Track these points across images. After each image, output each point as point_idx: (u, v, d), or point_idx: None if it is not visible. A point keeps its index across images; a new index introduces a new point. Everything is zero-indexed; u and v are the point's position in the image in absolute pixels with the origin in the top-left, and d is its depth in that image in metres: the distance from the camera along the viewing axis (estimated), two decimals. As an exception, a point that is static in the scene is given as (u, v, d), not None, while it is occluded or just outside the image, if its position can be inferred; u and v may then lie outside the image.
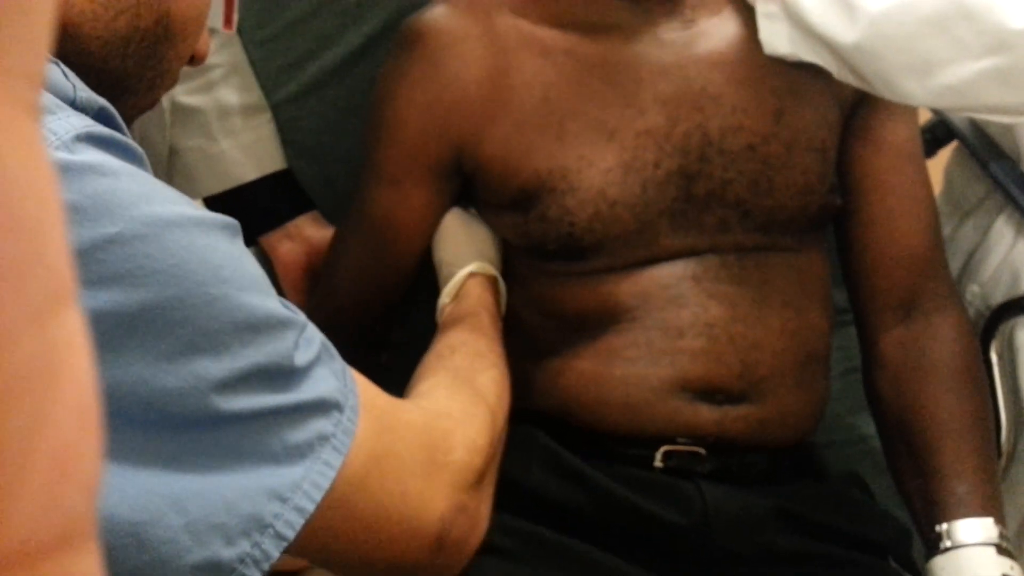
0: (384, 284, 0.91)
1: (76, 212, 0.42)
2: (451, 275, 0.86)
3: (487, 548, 0.73)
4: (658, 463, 0.80)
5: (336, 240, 0.94)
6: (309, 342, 0.52)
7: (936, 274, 0.89)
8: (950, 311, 0.88)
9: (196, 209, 0.48)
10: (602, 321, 0.83)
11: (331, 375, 0.53)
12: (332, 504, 0.50)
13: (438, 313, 0.86)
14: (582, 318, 0.83)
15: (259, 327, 0.48)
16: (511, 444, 0.79)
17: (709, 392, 0.80)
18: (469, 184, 0.88)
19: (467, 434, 0.63)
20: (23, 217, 0.16)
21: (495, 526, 0.74)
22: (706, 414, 0.80)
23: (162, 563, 0.45)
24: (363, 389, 0.55)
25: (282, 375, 0.49)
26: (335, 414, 0.51)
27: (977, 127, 1.07)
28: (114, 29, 0.56)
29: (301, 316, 0.52)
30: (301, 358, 0.51)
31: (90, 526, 0.18)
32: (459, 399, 0.67)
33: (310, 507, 0.49)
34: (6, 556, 0.16)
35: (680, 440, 0.80)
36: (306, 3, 0.99)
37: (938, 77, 0.74)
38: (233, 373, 0.46)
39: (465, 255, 0.88)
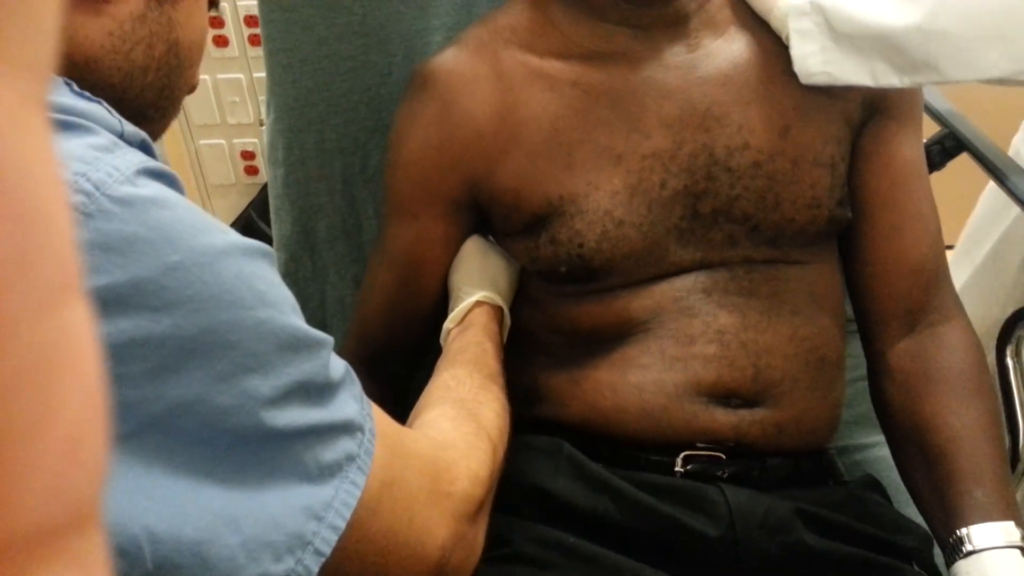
0: (412, 314, 0.94)
1: (143, 243, 0.45)
2: (460, 300, 0.89)
3: (516, 557, 0.74)
4: (679, 468, 0.81)
5: (366, 274, 0.97)
6: (336, 363, 0.55)
7: (940, 286, 0.90)
8: (955, 321, 0.89)
9: (237, 236, 0.50)
10: (616, 335, 0.84)
11: (352, 398, 0.55)
12: (352, 525, 0.52)
13: (443, 336, 0.88)
14: (597, 333, 0.85)
15: (299, 346, 0.50)
16: (537, 453, 0.81)
17: (724, 396, 0.81)
18: (485, 214, 0.90)
19: (470, 466, 0.64)
20: (30, 208, 0.16)
21: (524, 535, 0.76)
22: (723, 419, 0.81)
23: None
24: (377, 415, 0.57)
25: (318, 390, 0.52)
26: (359, 435, 0.54)
27: (987, 140, 1.09)
28: (132, 60, 0.59)
29: (329, 337, 0.55)
30: (333, 375, 0.54)
31: (96, 510, 0.18)
32: (463, 431, 0.69)
33: (341, 524, 0.51)
34: (16, 538, 0.16)
35: (700, 445, 0.81)
36: (330, 26, 1.01)
37: None
38: (279, 390, 0.49)
39: (476, 282, 0.90)
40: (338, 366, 0.55)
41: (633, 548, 0.77)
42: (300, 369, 0.50)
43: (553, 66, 0.85)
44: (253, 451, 0.48)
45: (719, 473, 0.81)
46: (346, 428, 0.53)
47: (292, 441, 0.49)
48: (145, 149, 0.51)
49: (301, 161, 1.06)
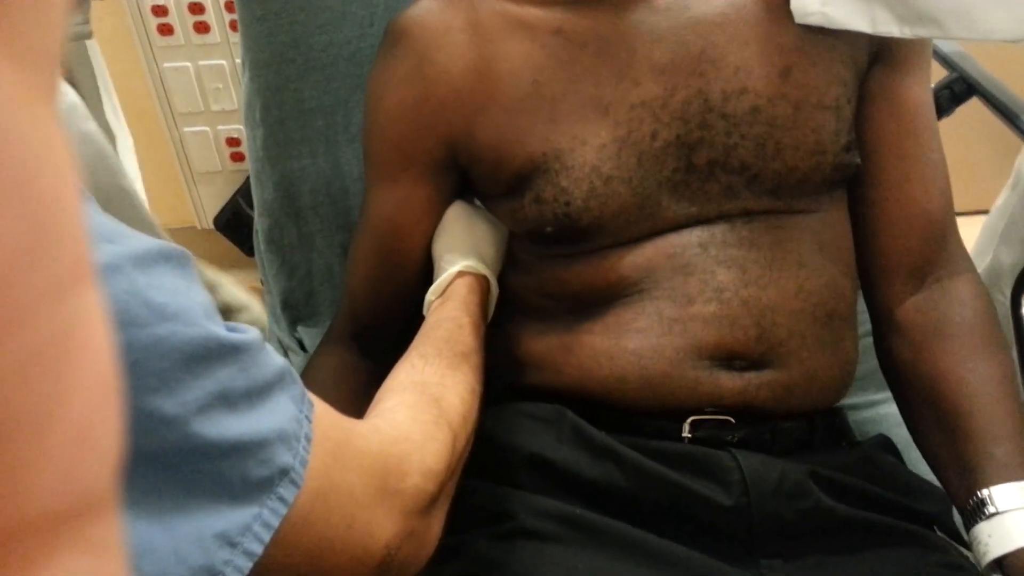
0: (398, 285, 0.89)
1: None
2: (442, 270, 0.85)
3: (520, 532, 0.71)
4: (686, 434, 0.77)
5: (351, 244, 0.92)
6: (268, 362, 0.50)
7: (949, 238, 0.86)
8: (965, 274, 0.85)
9: (134, 240, 0.45)
10: (609, 296, 0.80)
11: (289, 400, 0.51)
12: (277, 542, 0.48)
13: (425, 308, 0.84)
14: (588, 296, 0.81)
15: (210, 356, 0.46)
16: (537, 422, 0.78)
17: (727, 358, 0.77)
18: (467, 175, 0.86)
19: (424, 459, 0.61)
20: (41, 194, 0.16)
21: (527, 508, 0.72)
22: (728, 383, 0.76)
23: None
24: (319, 418, 0.53)
25: (244, 396, 0.47)
26: (294, 444, 0.50)
27: (998, 83, 1.04)
28: None
29: (256, 337, 0.50)
30: (260, 377, 0.49)
31: (110, 496, 0.19)
32: (421, 419, 0.66)
33: (258, 550, 0.46)
34: (26, 523, 0.16)
35: (707, 410, 0.77)
36: None
37: None
38: (190, 405, 0.44)
39: (459, 250, 0.85)
40: (270, 365, 0.50)
41: (641, 518, 0.73)
42: (215, 379, 0.45)
43: (533, 14, 0.79)
44: (161, 474, 0.43)
45: (729, 438, 0.77)
46: (280, 437, 0.48)
47: (214, 458, 0.45)
48: None
49: (280, 121, 1.01)
